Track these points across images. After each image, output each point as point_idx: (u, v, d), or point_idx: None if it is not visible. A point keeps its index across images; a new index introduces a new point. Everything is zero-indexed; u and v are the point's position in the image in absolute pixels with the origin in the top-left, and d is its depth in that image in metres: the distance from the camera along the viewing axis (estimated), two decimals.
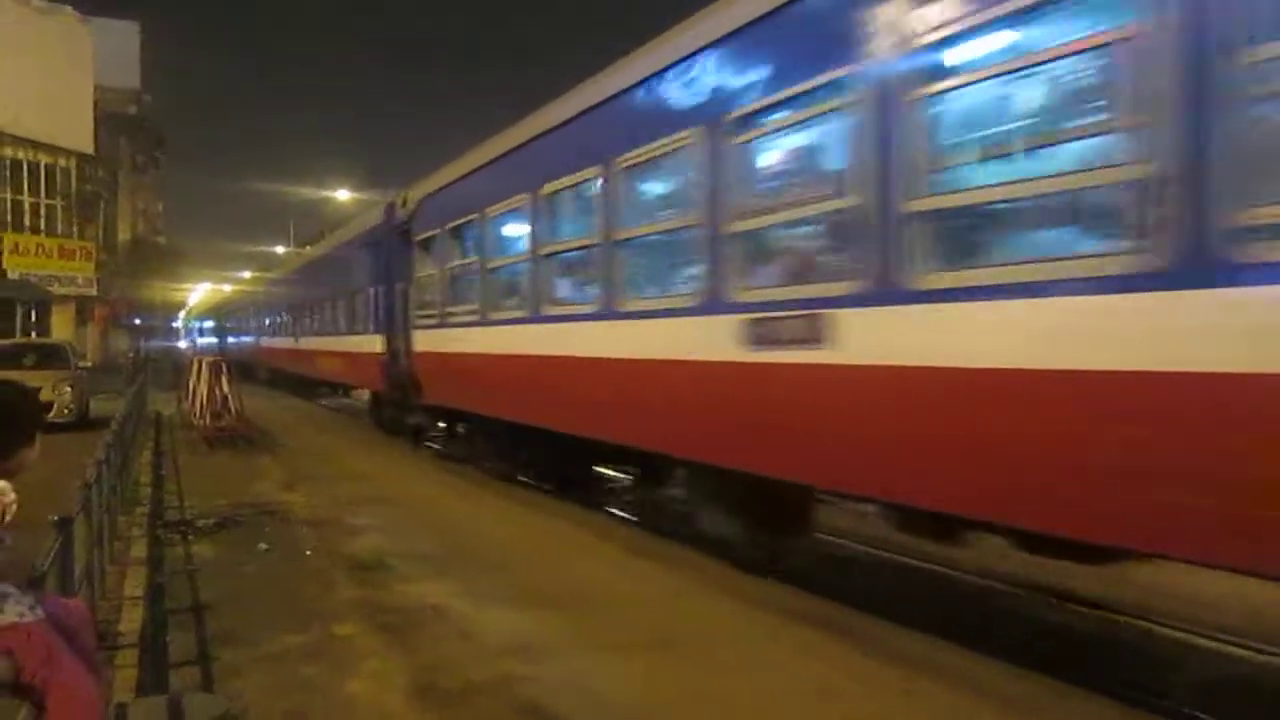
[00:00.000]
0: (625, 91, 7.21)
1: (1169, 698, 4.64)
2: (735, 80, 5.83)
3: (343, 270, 17.90)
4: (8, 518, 2.68)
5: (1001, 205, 4.31)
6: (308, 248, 28.13)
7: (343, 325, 17.98)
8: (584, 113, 7.88)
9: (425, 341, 12.06)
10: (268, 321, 30.96)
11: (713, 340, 5.94)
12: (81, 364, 19.16)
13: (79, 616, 3.25)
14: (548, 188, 8.37)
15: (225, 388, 16.53)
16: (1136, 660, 5.41)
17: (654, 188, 7.37)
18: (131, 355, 39.09)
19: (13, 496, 2.68)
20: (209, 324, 55.42)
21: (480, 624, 5.52)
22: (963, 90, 4.40)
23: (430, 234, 11.84)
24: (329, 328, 19.51)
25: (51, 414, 14.58)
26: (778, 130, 5.65)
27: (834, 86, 4.98)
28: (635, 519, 9.02)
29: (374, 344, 14.81)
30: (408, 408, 13.58)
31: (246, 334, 37.90)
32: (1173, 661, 5.39)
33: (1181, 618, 5.84)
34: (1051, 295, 3.81)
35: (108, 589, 5.85)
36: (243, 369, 31.07)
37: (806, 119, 5.38)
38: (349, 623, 5.53)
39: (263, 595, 6.15)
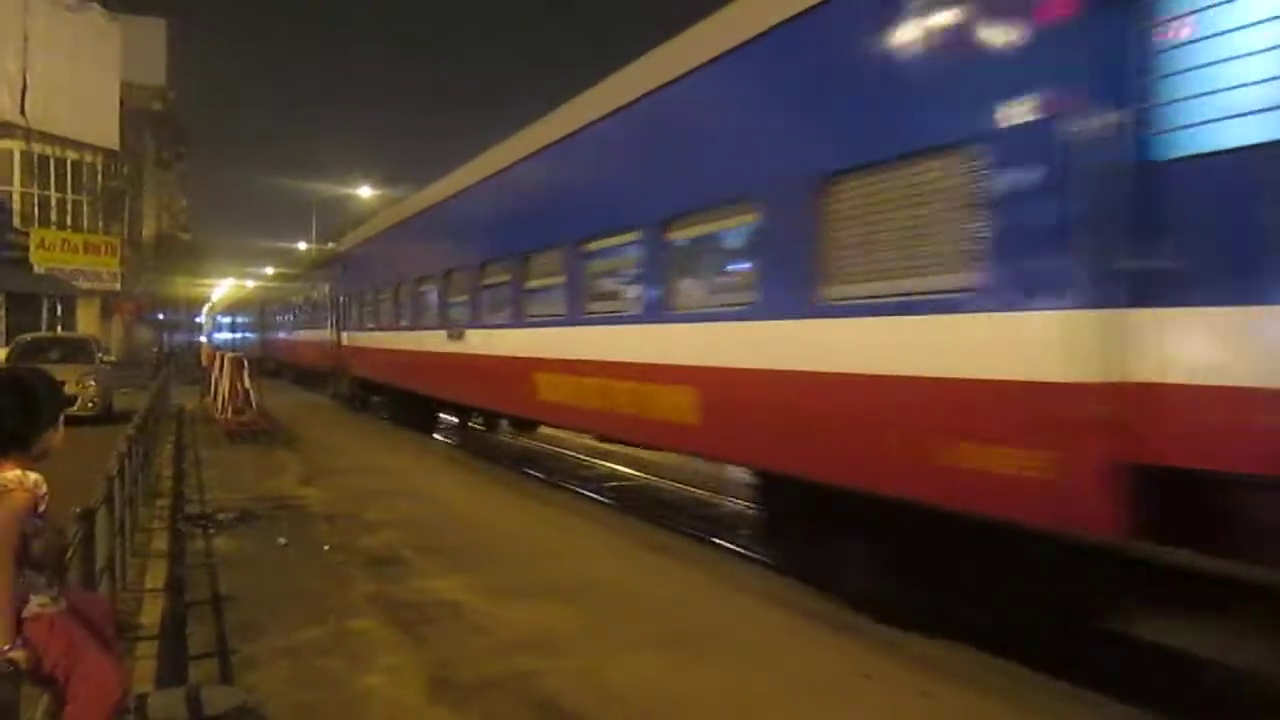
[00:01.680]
0: None
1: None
2: None
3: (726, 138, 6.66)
4: (41, 508, 2.75)
5: None
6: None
7: (742, 299, 6.33)
8: None
9: None
10: (364, 308, 19.15)
11: None
12: (105, 358, 19.37)
13: (100, 608, 3.30)
14: None
15: (246, 383, 16.74)
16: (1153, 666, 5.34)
17: None
18: (155, 350, 39.55)
19: (45, 489, 2.76)
20: (241, 318, 46.61)
21: (495, 618, 5.54)
22: None
23: None
24: (609, 306, 8.53)
25: (75, 407, 14.72)
26: None
27: None
28: None
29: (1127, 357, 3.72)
30: None
31: (304, 327, 26.86)
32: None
33: None
34: None
35: (129, 581, 5.92)
36: (301, 378, 27.28)
37: None
38: (366, 617, 5.57)
39: (281, 589, 6.19)
